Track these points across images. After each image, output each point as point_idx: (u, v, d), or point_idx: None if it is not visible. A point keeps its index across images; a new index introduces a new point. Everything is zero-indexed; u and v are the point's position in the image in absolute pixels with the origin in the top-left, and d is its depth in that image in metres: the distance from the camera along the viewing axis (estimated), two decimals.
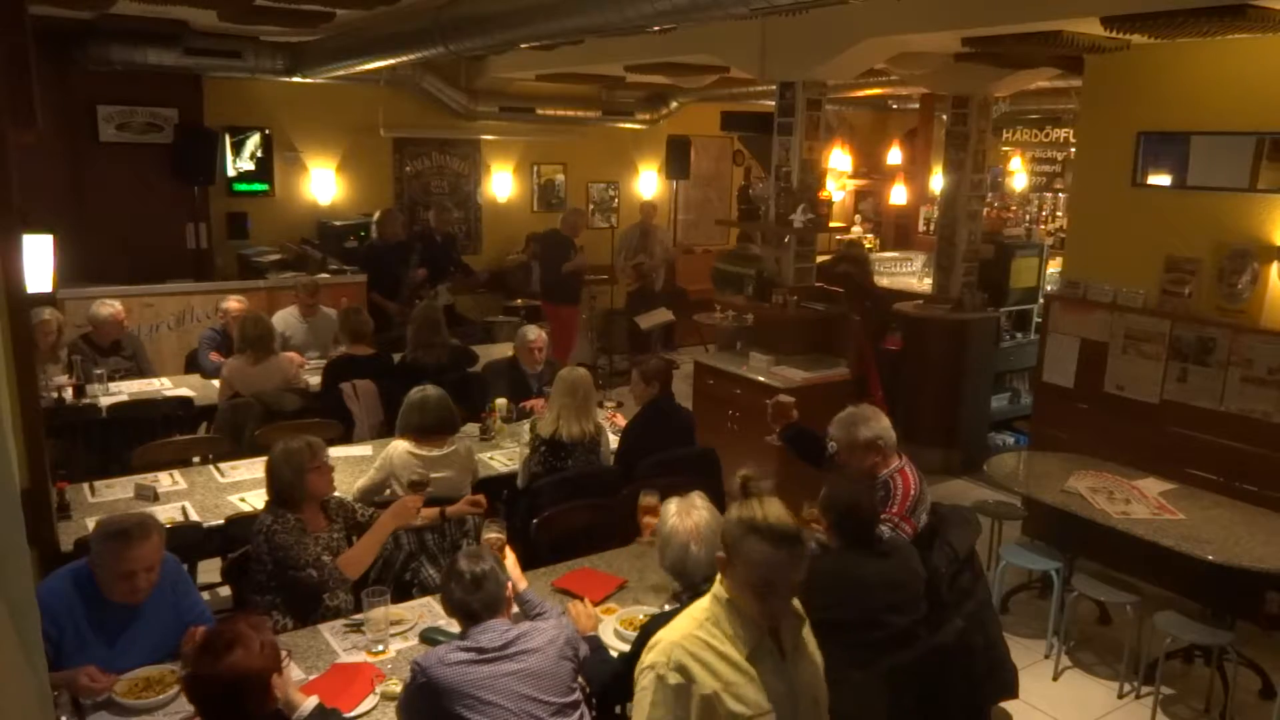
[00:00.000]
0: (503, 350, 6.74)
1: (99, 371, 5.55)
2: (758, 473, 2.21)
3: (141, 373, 6.11)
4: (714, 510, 2.93)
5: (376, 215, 8.38)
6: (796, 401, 4.30)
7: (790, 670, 2.12)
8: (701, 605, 2.14)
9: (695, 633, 2.07)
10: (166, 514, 3.96)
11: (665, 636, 2.11)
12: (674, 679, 2.03)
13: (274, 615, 3.22)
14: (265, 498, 3.49)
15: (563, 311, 8.54)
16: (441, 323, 6.04)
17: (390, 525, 3.44)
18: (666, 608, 2.92)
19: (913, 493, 3.58)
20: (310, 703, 2.43)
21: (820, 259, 6.90)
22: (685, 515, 2.91)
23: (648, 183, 11.25)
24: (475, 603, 2.57)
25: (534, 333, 5.68)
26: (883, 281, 8.41)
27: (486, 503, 3.90)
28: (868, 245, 10.63)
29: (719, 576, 2.14)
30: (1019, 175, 10.63)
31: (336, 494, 3.81)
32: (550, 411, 4.49)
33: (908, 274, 9.23)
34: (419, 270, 7.99)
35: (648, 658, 2.10)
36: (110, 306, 5.94)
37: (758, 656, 2.07)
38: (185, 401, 5.50)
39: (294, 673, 2.84)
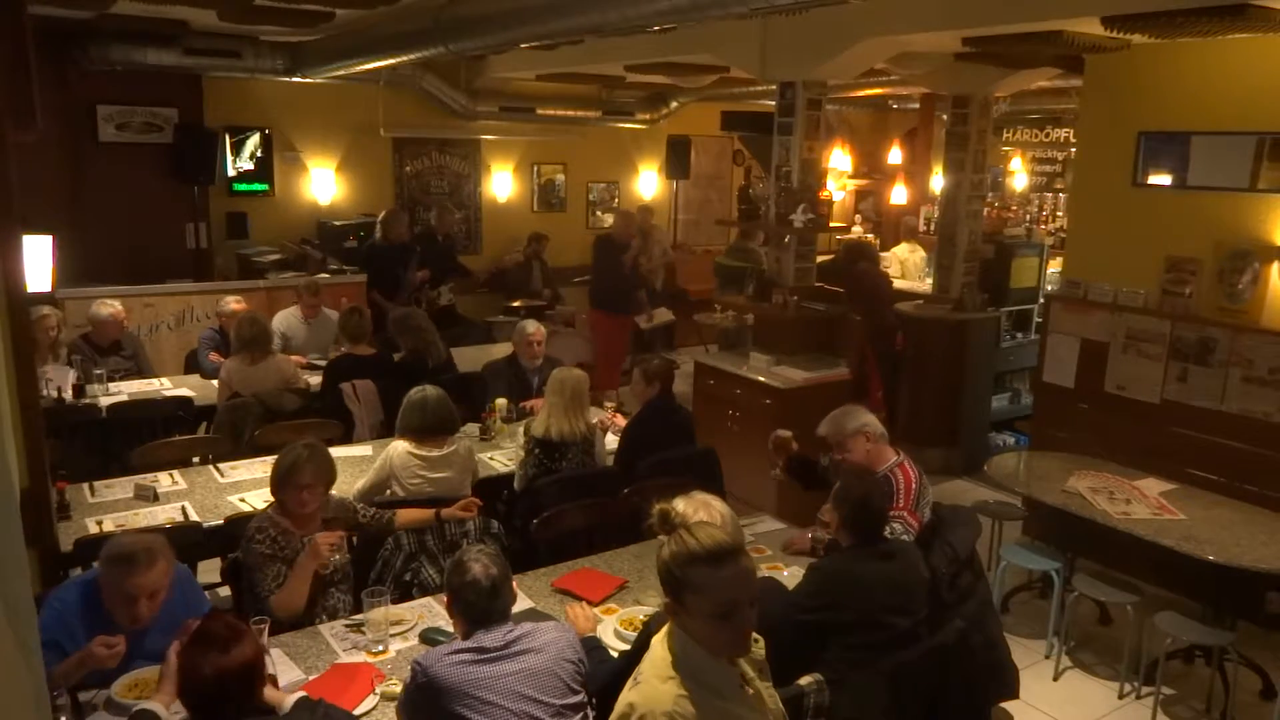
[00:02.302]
0: (503, 350, 6.73)
1: (99, 372, 5.56)
2: (670, 503, 2.19)
3: (141, 372, 6.11)
4: (723, 501, 2.92)
5: (381, 215, 8.37)
6: (797, 403, 4.31)
7: (757, 698, 2.11)
8: (663, 660, 2.03)
9: (677, 693, 1.96)
10: (166, 514, 3.97)
11: (652, 708, 1.96)
12: None
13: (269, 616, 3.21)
14: (266, 498, 3.48)
15: (612, 321, 8.18)
16: (424, 326, 6.01)
17: (309, 566, 3.25)
18: None
19: (914, 486, 3.65)
20: (290, 698, 2.45)
21: (821, 258, 6.89)
22: (705, 509, 2.86)
23: (648, 183, 11.25)
24: (494, 611, 2.56)
25: (532, 326, 5.68)
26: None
27: (480, 505, 3.89)
28: None
29: (667, 629, 2.07)
30: (1019, 175, 10.63)
31: (336, 494, 3.81)
32: (542, 411, 4.50)
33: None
34: (421, 272, 8.01)
35: None
36: (110, 306, 5.94)
37: (732, 695, 2.03)
38: (185, 401, 5.50)
39: (293, 673, 2.85)
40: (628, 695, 2.04)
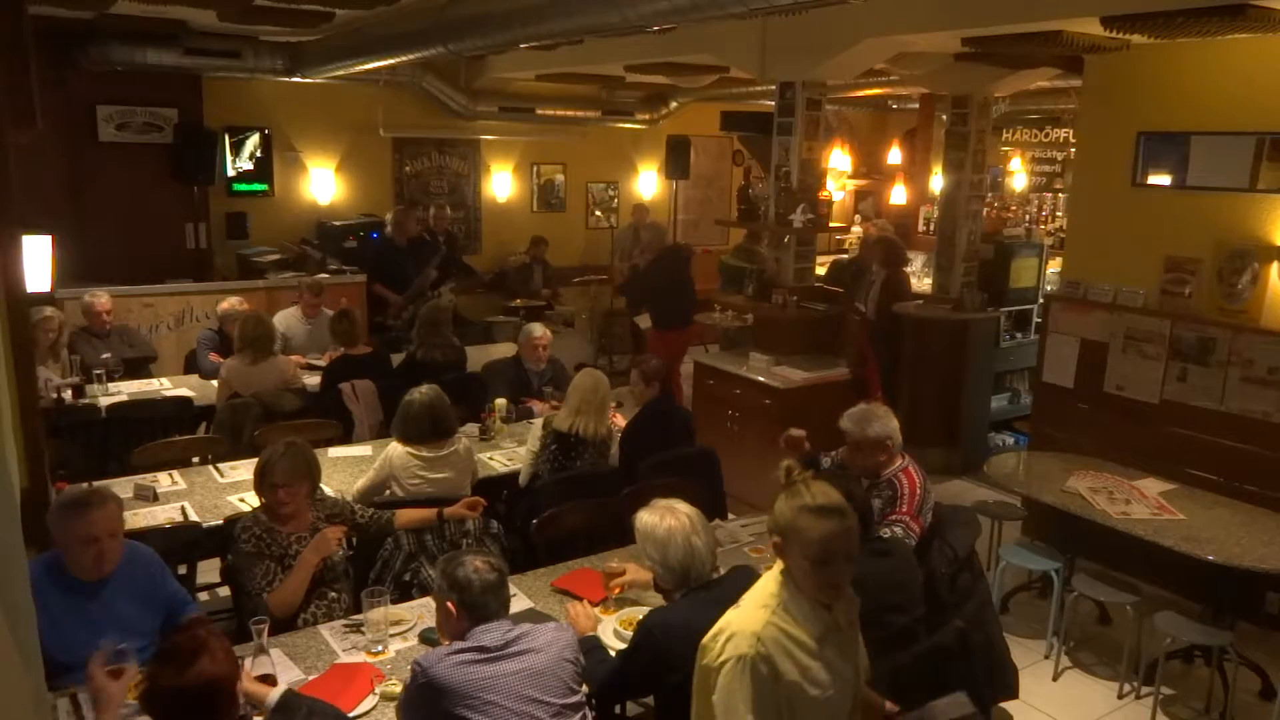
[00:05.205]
0: (502, 350, 6.75)
1: (99, 372, 5.56)
2: (798, 462, 2.31)
3: (144, 358, 6.21)
4: (688, 504, 2.93)
5: (391, 214, 8.32)
6: (796, 403, 4.31)
7: (847, 645, 2.24)
8: (768, 591, 2.19)
9: (771, 620, 2.12)
10: (166, 514, 3.97)
11: (742, 627, 2.13)
12: (763, 669, 2.07)
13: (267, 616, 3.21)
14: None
15: (668, 337, 7.54)
16: (446, 322, 6.10)
17: (312, 560, 3.28)
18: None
19: (919, 491, 3.63)
20: (276, 692, 2.44)
21: (824, 257, 6.89)
22: (671, 514, 2.85)
23: (648, 183, 11.25)
24: (495, 602, 2.56)
25: (539, 330, 5.71)
26: None
27: (484, 504, 3.89)
28: None
29: (779, 567, 2.22)
30: (1019, 175, 10.62)
31: (334, 494, 3.81)
32: (568, 406, 4.49)
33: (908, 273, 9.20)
34: (433, 269, 8.02)
35: (728, 648, 2.11)
36: (96, 295, 6.07)
37: (825, 637, 2.16)
38: (185, 401, 5.50)
39: (293, 673, 2.85)
40: (727, 615, 2.21)
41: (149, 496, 4.09)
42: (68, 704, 2.61)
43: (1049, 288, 7.08)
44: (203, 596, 4.25)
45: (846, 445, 3.81)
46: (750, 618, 2.15)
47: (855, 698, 2.29)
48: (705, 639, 2.20)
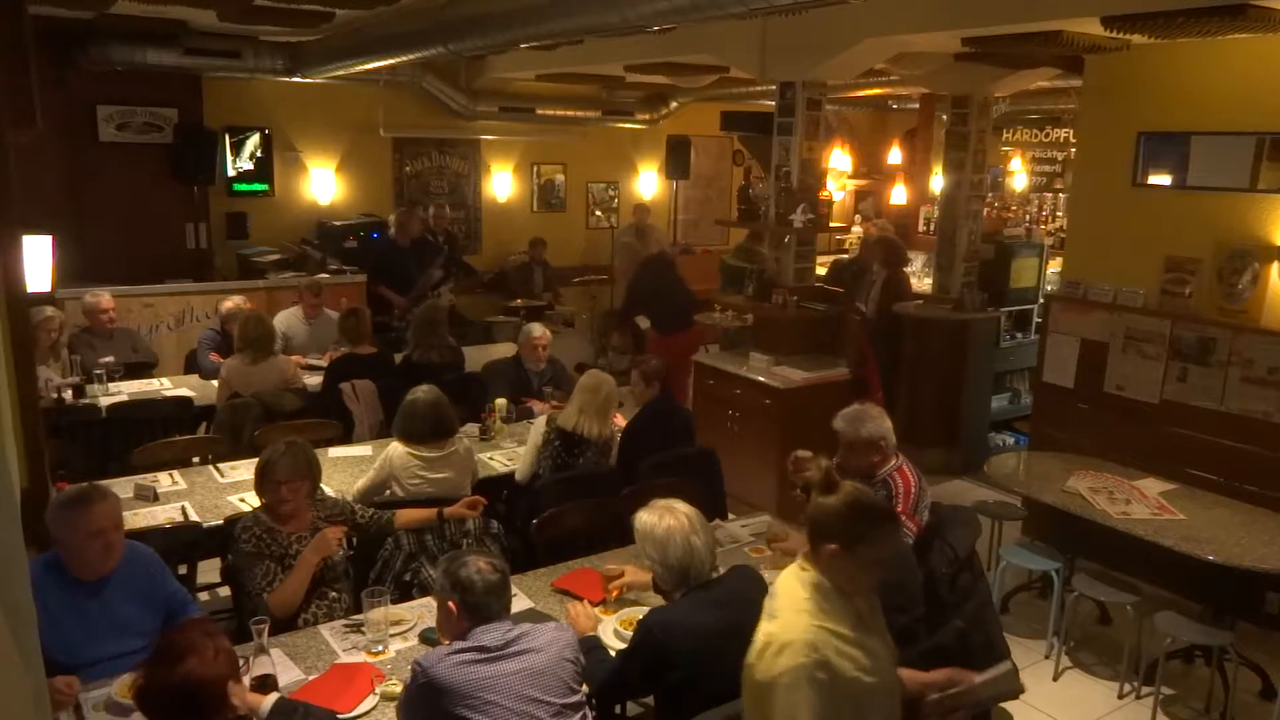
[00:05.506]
0: (502, 350, 6.75)
1: (99, 371, 5.56)
2: (826, 459, 2.33)
3: (145, 362, 6.18)
4: (687, 504, 2.92)
5: (393, 216, 8.29)
6: (796, 403, 4.30)
7: (875, 628, 2.28)
8: (799, 595, 2.20)
9: (815, 624, 2.14)
10: (166, 514, 3.97)
11: (791, 637, 2.13)
12: (821, 675, 2.09)
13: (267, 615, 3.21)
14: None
15: (670, 341, 7.35)
16: (442, 323, 6.08)
17: (313, 560, 3.29)
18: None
19: (914, 490, 3.61)
20: (269, 700, 2.44)
21: (833, 258, 6.90)
22: (670, 513, 2.85)
23: (648, 183, 11.25)
24: (498, 603, 2.56)
25: (538, 330, 5.72)
26: None
27: (484, 503, 3.90)
28: None
29: (799, 572, 2.23)
30: (1019, 175, 10.63)
31: (334, 493, 3.81)
32: (572, 405, 4.50)
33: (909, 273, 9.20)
34: (437, 270, 8.02)
35: (782, 661, 2.10)
36: (98, 295, 6.07)
37: (860, 627, 2.20)
38: (185, 401, 5.50)
39: (293, 672, 2.85)
40: (766, 627, 2.22)
41: (149, 496, 4.09)
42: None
43: (1049, 288, 7.08)
44: (203, 596, 4.26)
45: (840, 446, 3.80)
46: (794, 625, 2.15)
47: (895, 675, 2.33)
48: (750, 656, 2.20)
